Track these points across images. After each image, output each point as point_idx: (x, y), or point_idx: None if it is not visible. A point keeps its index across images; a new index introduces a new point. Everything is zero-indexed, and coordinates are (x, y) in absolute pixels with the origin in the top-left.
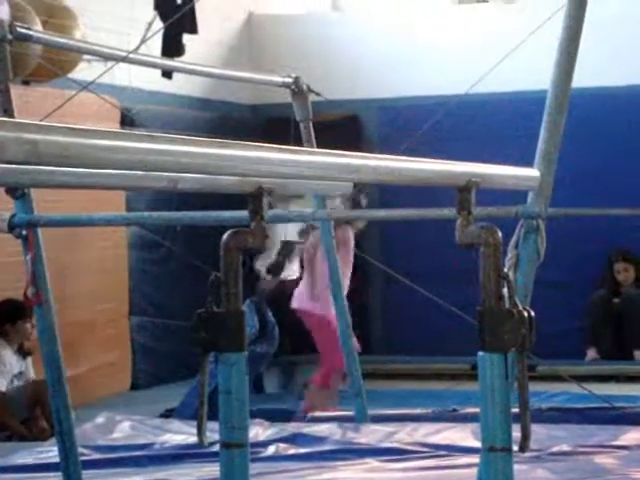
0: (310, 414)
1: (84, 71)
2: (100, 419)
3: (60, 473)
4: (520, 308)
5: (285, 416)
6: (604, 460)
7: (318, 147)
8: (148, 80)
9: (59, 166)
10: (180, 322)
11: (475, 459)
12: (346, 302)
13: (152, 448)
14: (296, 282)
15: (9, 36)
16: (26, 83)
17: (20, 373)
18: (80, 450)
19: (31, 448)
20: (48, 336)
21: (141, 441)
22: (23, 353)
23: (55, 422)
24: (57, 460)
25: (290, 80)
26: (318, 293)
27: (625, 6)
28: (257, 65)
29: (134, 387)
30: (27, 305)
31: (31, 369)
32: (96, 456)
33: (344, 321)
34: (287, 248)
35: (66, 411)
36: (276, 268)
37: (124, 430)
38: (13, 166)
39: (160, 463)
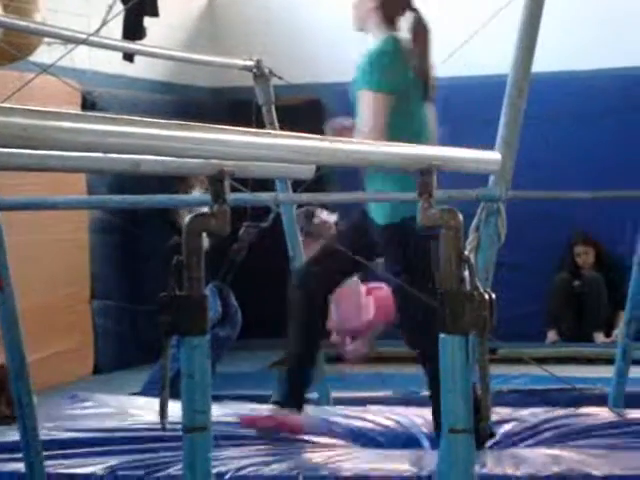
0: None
1: (45, 54)
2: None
3: None
4: (481, 291)
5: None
6: (564, 441)
7: (281, 131)
8: (109, 63)
9: (19, 148)
10: (143, 306)
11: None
12: None
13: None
14: None
15: None
16: None
17: None
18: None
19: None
20: (9, 321)
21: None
22: None
23: (17, 407)
24: None
25: (252, 63)
26: None
27: None
28: (219, 48)
29: (97, 371)
30: None
31: None
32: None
33: None
34: (249, 232)
35: (28, 397)
36: (238, 253)
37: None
38: None
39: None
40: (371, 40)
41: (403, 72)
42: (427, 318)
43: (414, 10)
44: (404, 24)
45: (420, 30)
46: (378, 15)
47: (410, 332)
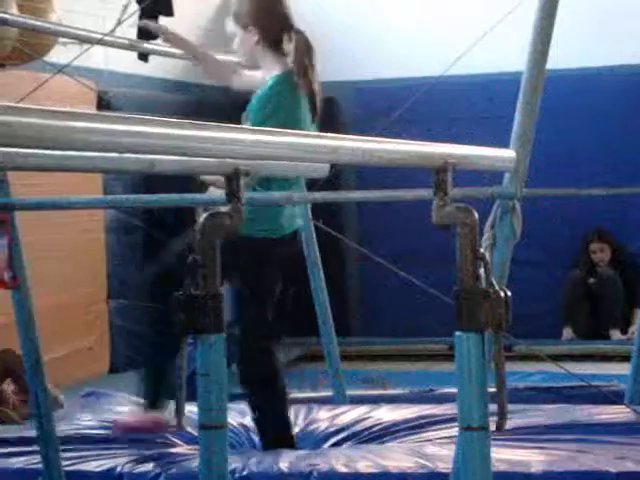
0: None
1: (60, 54)
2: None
3: None
4: (497, 288)
5: None
6: (580, 438)
7: None
8: (124, 63)
9: (34, 148)
10: (158, 305)
11: (453, 438)
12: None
13: None
14: None
15: None
16: (1, 66)
17: None
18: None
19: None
20: (25, 320)
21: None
22: None
23: (34, 406)
24: None
25: None
26: None
27: None
28: (233, 47)
29: (113, 370)
30: (4, 288)
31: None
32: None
33: (322, 302)
34: None
35: (44, 395)
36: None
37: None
38: None
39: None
40: (265, 75)
41: (295, 105)
42: (261, 345)
43: (297, 31)
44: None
45: (304, 50)
46: (263, 47)
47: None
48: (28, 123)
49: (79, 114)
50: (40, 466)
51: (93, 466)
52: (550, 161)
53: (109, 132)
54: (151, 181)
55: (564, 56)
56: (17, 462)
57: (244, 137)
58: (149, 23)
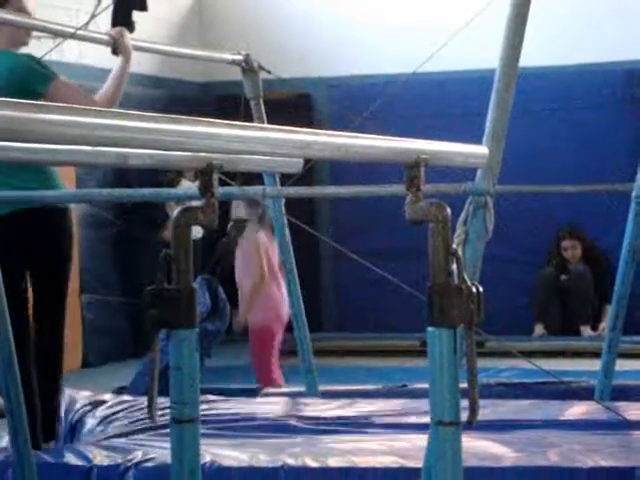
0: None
1: (34, 48)
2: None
3: None
4: (469, 284)
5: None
6: (550, 433)
7: (269, 125)
8: (98, 57)
9: (7, 141)
10: (131, 300)
11: (424, 433)
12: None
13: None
14: None
15: None
16: None
17: None
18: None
19: None
20: None
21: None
22: None
23: (5, 400)
24: None
25: (240, 57)
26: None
27: None
28: (207, 43)
29: (85, 365)
30: None
31: None
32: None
33: (296, 297)
34: (237, 226)
35: (16, 389)
36: (225, 250)
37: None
38: None
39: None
40: None
41: None
42: None
43: None
44: None
45: None
46: None
47: None
48: (0, 115)
49: (52, 107)
50: (11, 459)
51: (68, 458)
52: (523, 158)
53: (82, 125)
54: (124, 175)
55: (537, 53)
56: None
57: (218, 131)
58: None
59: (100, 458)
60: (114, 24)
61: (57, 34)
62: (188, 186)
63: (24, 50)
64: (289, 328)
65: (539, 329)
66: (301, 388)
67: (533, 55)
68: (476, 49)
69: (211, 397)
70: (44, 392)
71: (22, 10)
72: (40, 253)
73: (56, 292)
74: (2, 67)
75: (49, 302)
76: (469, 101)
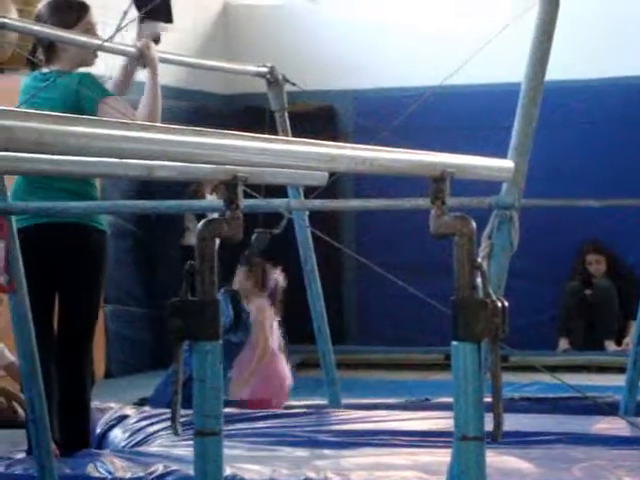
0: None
1: None
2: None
3: None
4: (493, 298)
5: None
6: (575, 449)
7: (294, 137)
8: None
9: (35, 153)
10: (155, 311)
11: (448, 448)
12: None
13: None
14: None
15: None
16: (0, 71)
17: None
18: None
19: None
20: (22, 324)
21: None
22: None
23: (29, 410)
24: None
25: (265, 70)
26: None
27: (600, 0)
28: (232, 55)
29: (108, 375)
30: (1, 291)
31: (7, 354)
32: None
33: (319, 309)
34: (261, 238)
35: (39, 400)
36: (250, 258)
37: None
38: None
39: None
40: None
41: None
42: None
43: None
44: None
45: None
46: None
47: None
48: (28, 127)
49: (79, 119)
50: (34, 472)
51: (90, 469)
52: (548, 172)
53: (109, 137)
54: (147, 186)
55: (564, 67)
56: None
57: (244, 144)
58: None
59: (122, 470)
60: (140, 36)
61: (83, 46)
62: (211, 199)
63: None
64: (312, 340)
65: (563, 344)
66: (324, 401)
67: (559, 69)
68: (503, 62)
69: (233, 410)
70: (72, 404)
71: (90, 32)
72: (63, 274)
73: (79, 322)
74: (60, 88)
75: (71, 335)
76: (495, 114)
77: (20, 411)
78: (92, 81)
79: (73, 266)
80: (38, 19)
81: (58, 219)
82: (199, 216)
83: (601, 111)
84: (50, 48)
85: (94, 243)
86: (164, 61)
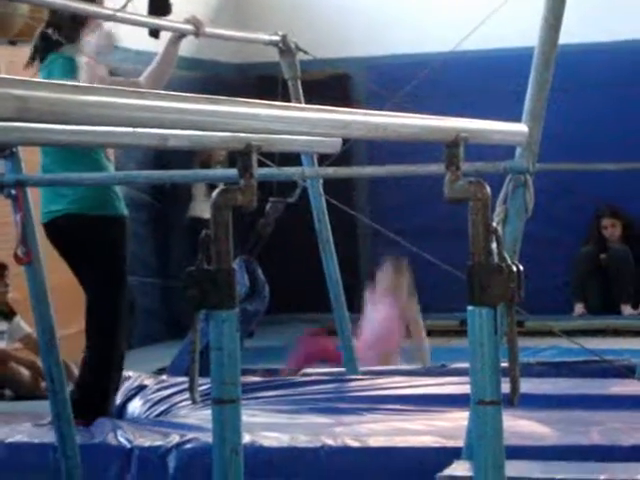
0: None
1: None
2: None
3: None
4: (509, 263)
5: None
6: (592, 412)
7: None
8: (135, 40)
9: (48, 123)
10: (171, 281)
11: (465, 413)
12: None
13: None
14: None
15: None
16: (13, 43)
17: (1, 332)
18: None
19: None
20: (39, 295)
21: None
22: (4, 313)
23: (47, 380)
24: None
25: (277, 38)
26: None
27: None
28: (244, 24)
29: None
30: (18, 263)
31: (23, 326)
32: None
33: (334, 277)
34: (275, 207)
35: (58, 370)
36: (265, 228)
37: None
38: (1, 123)
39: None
40: None
41: None
42: None
43: None
44: None
45: None
46: None
47: None
48: (41, 97)
49: (93, 88)
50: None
51: (109, 438)
52: (562, 136)
53: (122, 106)
54: (161, 157)
55: (577, 30)
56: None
57: (257, 112)
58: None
59: (141, 439)
60: (151, 6)
61: (95, 16)
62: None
63: None
64: (328, 308)
65: (579, 308)
66: (341, 368)
67: (573, 32)
68: (515, 27)
69: (251, 378)
70: (96, 367)
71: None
72: (81, 268)
73: (102, 311)
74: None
75: (96, 325)
76: (508, 79)
77: (44, 383)
78: (65, 64)
79: (89, 260)
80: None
81: (74, 210)
82: (210, 187)
83: (616, 74)
84: (68, 29)
85: (110, 234)
86: (176, 31)
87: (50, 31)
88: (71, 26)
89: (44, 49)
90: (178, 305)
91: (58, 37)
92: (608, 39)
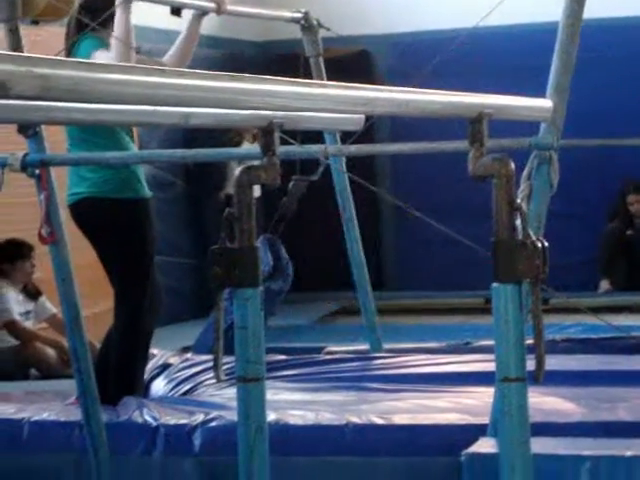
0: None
1: None
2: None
3: None
4: (533, 239)
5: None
6: (618, 388)
7: None
8: (157, 18)
9: (70, 101)
10: (197, 260)
11: (490, 390)
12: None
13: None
14: None
15: None
16: (35, 23)
17: (27, 312)
18: None
19: None
20: (63, 274)
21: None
22: (30, 293)
23: (73, 360)
24: None
25: (299, 15)
26: None
27: None
28: (264, 1)
29: None
30: (43, 243)
31: (49, 306)
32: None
33: (357, 255)
34: (298, 185)
35: (83, 349)
36: (288, 207)
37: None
38: (25, 102)
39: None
40: None
41: None
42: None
43: None
44: None
45: None
46: None
47: None
48: (63, 75)
49: (115, 66)
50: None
51: (135, 416)
52: (587, 112)
53: (145, 84)
54: (185, 136)
55: (602, 5)
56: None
57: (280, 89)
58: None
59: (166, 417)
60: None
61: None
62: (248, 147)
63: None
64: (351, 286)
65: (604, 285)
66: (365, 346)
67: (598, 7)
68: (540, 1)
69: (275, 356)
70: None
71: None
72: (104, 251)
73: (128, 295)
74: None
75: (124, 311)
76: (532, 54)
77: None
78: (93, 41)
79: (112, 243)
80: None
81: (95, 194)
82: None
83: None
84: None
85: (132, 217)
86: (198, 8)
87: (82, 15)
88: (103, 9)
89: (76, 34)
90: (204, 284)
91: (90, 21)
92: (632, 14)
